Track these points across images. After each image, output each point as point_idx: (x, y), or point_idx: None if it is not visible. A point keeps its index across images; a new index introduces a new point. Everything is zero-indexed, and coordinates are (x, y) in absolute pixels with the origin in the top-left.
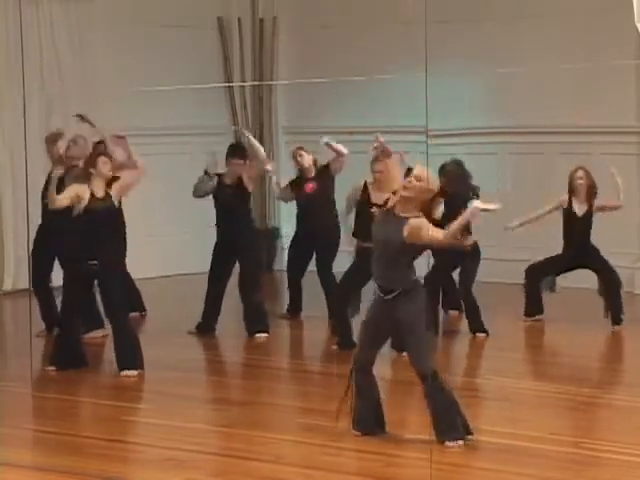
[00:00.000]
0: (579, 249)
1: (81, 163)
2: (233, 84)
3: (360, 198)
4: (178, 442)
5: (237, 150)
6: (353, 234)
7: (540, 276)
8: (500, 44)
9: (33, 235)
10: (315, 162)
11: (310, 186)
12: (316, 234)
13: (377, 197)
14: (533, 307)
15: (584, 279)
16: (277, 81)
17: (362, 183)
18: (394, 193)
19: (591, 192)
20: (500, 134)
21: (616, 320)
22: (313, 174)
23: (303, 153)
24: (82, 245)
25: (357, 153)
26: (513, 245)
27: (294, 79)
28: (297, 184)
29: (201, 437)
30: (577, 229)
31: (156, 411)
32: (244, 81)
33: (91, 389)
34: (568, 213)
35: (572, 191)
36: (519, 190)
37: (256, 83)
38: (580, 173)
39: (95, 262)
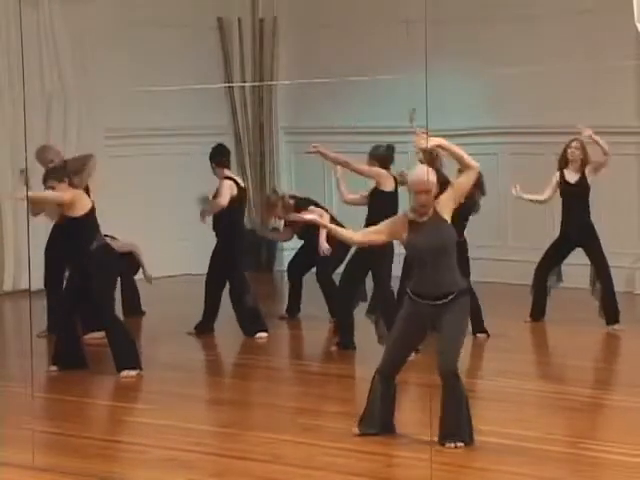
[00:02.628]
0: (576, 222)
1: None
2: (233, 84)
3: (371, 191)
4: (178, 442)
5: (220, 154)
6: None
7: (547, 273)
8: (500, 44)
9: (33, 235)
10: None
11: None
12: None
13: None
14: (539, 309)
15: (584, 279)
16: (277, 81)
17: None
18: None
19: (585, 162)
20: (500, 134)
21: (610, 319)
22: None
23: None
24: (64, 248)
25: (358, 153)
26: (513, 245)
27: (294, 79)
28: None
29: (201, 437)
30: (572, 197)
31: (156, 411)
32: (244, 81)
33: (91, 389)
34: (562, 184)
35: (565, 162)
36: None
37: (256, 83)
38: (576, 144)
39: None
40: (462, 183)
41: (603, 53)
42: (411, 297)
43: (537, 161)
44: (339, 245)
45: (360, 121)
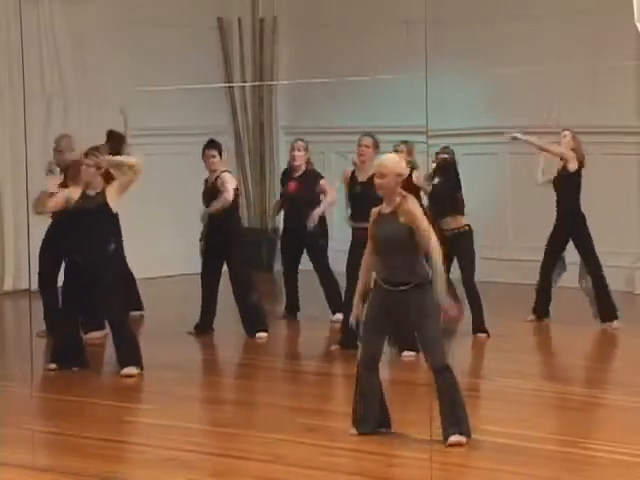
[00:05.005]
0: (567, 211)
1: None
2: (233, 84)
3: (349, 182)
4: (178, 442)
5: (211, 145)
6: (349, 217)
7: (551, 269)
8: (500, 44)
9: (33, 235)
10: (307, 161)
11: (293, 186)
12: (302, 233)
13: (361, 176)
14: (543, 307)
15: None
16: (277, 81)
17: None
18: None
19: (577, 154)
20: (500, 134)
21: (605, 317)
22: (300, 173)
23: (298, 150)
24: (72, 242)
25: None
26: (513, 245)
27: (294, 79)
28: (284, 179)
29: (201, 437)
30: (562, 187)
31: (156, 411)
32: (244, 81)
33: (91, 389)
34: (558, 173)
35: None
36: (519, 190)
37: (256, 83)
38: (566, 133)
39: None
40: None
41: (603, 53)
42: (377, 283)
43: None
44: (315, 230)
45: (360, 121)
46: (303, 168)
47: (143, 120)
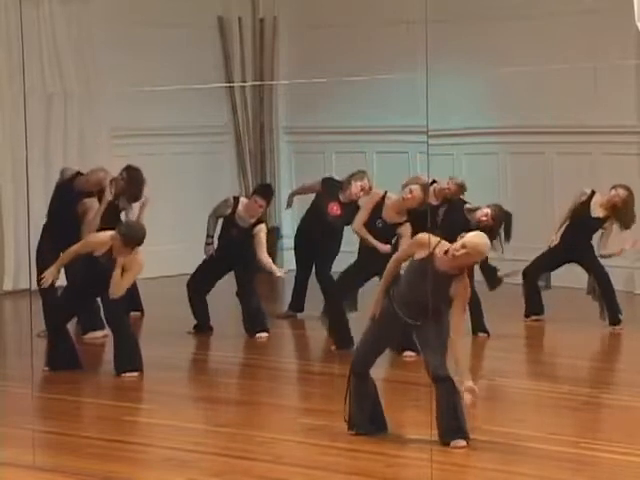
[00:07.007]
0: (575, 244)
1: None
2: (233, 84)
3: (374, 208)
4: (178, 442)
5: (263, 190)
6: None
7: (537, 274)
8: (500, 44)
9: (33, 235)
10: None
11: (335, 209)
12: (316, 241)
13: (389, 214)
14: (533, 307)
15: (583, 279)
16: (277, 81)
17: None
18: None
19: (620, 213)
20: (500, 134)
21: (613, 321)
22: (348, 201)
23: (362, 187)
24: (82, 283)
25: (357, 153)
26: (513, 245)
27: (294, 79)
28: (329, 187)
29: (201, 437)
30: (585, 227)
31: (156, 411)
32: (244, 81)
33: (91, 389)
34: (582, 210)
35: (608, 205)
36: (519, 190)
37: (256, 83)
38: (623, 192)
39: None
40: None
41: (603, 53)
42: (393, 304)
43: (537, 161)
44: (334, 242)
45: (360, 121)
46: (353, 200)
47: (143, 120)
